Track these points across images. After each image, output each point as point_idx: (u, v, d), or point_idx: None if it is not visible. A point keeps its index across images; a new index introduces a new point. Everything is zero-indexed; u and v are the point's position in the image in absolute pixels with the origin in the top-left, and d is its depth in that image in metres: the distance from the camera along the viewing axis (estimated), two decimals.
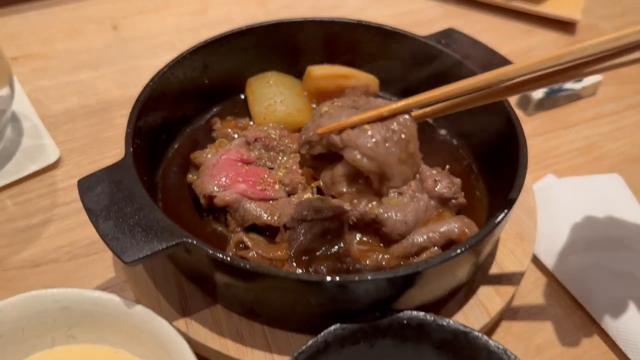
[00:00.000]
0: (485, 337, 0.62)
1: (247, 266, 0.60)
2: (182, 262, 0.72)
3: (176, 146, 0.90)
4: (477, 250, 0.67)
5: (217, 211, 0.79)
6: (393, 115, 0.59)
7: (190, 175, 0.84)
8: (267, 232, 0.77)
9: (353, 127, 0.58)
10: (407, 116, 0.60)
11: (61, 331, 0.66)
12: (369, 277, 0.60)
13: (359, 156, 0.57)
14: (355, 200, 0.75)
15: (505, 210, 0.67)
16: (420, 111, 0.63)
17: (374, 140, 0.57)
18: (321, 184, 0.63)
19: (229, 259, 0.61)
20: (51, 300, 0.65)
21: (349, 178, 0.60)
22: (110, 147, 1.01)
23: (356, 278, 0.60)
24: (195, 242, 0.62)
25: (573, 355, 0.78)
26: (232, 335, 0.69)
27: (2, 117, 0.93)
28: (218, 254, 0.61)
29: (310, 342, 0.62)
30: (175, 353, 0.61)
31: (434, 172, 0.82)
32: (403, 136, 0.58)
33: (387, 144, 0.57)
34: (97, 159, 0.99)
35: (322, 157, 0.63)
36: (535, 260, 0.88)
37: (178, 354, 0.61)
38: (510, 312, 0.81)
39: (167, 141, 0.88)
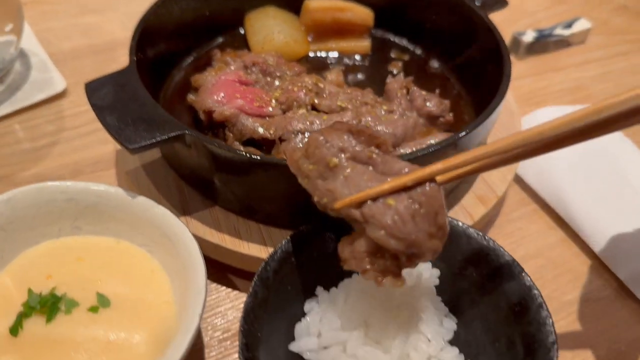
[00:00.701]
0: (465, 225, 0.66)
1: (244, 154, 0.64)
2: (182, 165, 0.76)
3: (177, 74, 0.94)
4: (462, 144, 0.70)
5: (216, 127, 0.82)
6: (418, 184, 0.52)
7: (191, 96, 0.87)
8: (264, 146, 0.81)
9: (374, 198, 0.52)
10: (433, 184, 0.53)
11: (67, 222, 0.70)
12: None
13: (385, 235, 0.51)
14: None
15: (491, 108, 0.71)
16: (446, 176, 0.55)
17: (400, 217, 0.51)
18: (340, 258, 0.57)
19: (227, 148, 0.65)
20: (58, 191, 0.69)
21: (373, 253, 0.54)
22: None
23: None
24: (194, 134, 0.66)
25: (554, 264, 0.82)
26: (229, 231, 0.73)
27: (9, 48, 0.97)
28: (215, 144, 0.65)
29: (303, 227, 0.66)
30: (176, 238, 0.65)
31: (424, 92, 0.85)
32: (431, 209, 0.52)
33: (414, 220, 0.51)
34: None
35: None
36: (520, 182, 0.92)
37: (179, 238, 0.65)
38: (495, 229, 0.85)
39: (168, 68, 0.92)
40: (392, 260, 0.53)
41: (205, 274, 0.61)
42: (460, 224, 0.66)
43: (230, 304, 0.74)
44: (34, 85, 1.02)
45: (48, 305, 0.61)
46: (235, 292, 0.75)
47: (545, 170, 0.89)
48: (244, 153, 0.65)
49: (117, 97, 0.70)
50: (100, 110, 0.68)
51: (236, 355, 0.69)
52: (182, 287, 0.63)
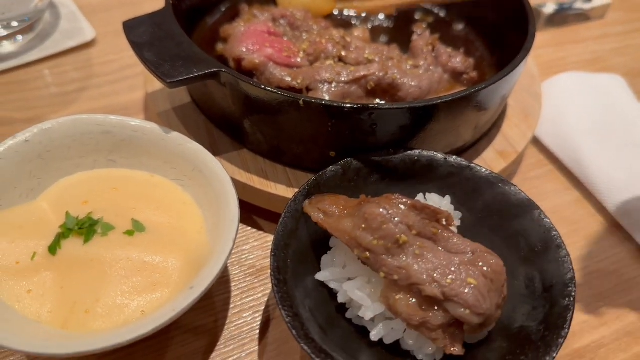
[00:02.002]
0: (488, 170, 0.68)
1: (280, 92, 0.66)
2: (213, 108, 0.78)
3: (206, 23, 0.95)
4: (484, 97, 0.72)
5: (245, 75, 0.84)
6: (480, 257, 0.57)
7: (220, 46, 0.89)
8: None
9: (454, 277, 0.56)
10: (498, 261, 0.58)
11: (102, 154, 0.72)
12: (386, 106, 0.66)
13: (469, 314, 0.55)
14: (374, 65, 0.81)
15: (515, 64, 0.73)
16: None
17: (481, 295, 0.55)
18: (405, 321, 0.57)
19: (261, 86, 0.67)
20: (95, 123, 0.71)
21: (445, 325, 0.56)
22: None
23: (372, 105, 0.66)
24: (230, 71, 0.68)
25: (569, 221, 0.84)
26: (257, 172, 0.75)
27: None
28: (251, 82, 0.67)
29: (331, 167, 0.68)
30: (209, 171, 0.67)
31: (449, 49, 0.87)
32: (499, 283, 0.57)
33: (489, 296, 0.56)
34: None
35: None
36: (538, 145, 0.94)
37: (212, 172, 0.67)
38: None
39: (198, 18, 0.94)
40: (460, 329, 0.57)
41: (238, 204, 0.63)
42: (483, 170, 0.69)
43: (256, 243, 0.77)
44: (63, 34, 1.04)
45: (85, 227, 0.64)
46: (260, 232, 0.78)
47: (563, 132, 0.91)
48: (279, 91, 0.67)
49: (154, 35, 0.72)
50: (138, 46, 0.70)
51: (260, 289, 0.72)
52: (214, 218, 0.66)
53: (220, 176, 0.66)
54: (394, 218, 0.57)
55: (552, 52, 1.13)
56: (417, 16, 1.03)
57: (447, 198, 0.68)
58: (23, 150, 0.68)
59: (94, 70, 0.99)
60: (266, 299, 0.71)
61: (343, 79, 0.80)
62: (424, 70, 0.84)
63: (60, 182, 0.70)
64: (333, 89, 0.80)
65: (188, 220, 0.68)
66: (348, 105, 0.65)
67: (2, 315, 0.56)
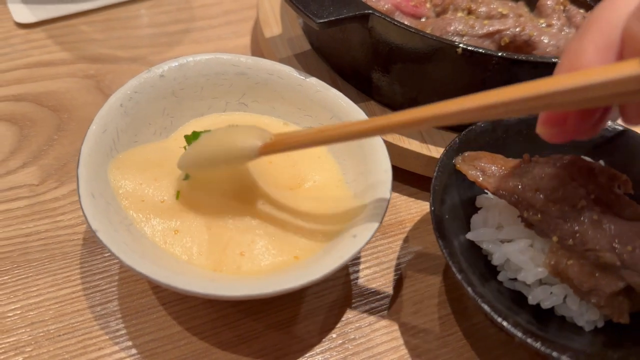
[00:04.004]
0: None
1: (436, 37, 0.63)
2: (341, 56, 0.74)
3: None
4: None
5: None
6: None
7: None
8: None
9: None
10: None
11: (234, 97, 0.69)
12: (540, 59, 0.62)
13: None
14: (509, 20, 0.77)
15: None
16: None
17: None
18: (574, 287, 0.55)
19: (419, 31, 0.63)
20: (229, 63, 0.68)
21: (615, 294, 0.54)
22: None
23: (525, 57, 0.62)
24: (381, 14, 0.64)
25: None
26: None
27: None
28: (405, 27, 0.64)
29: (479, 122, 0.65)
30: (349, 118, 0.64)
31: (582, 10, 0.83)
32: None
33: None
34: None
35: None
36: None
37: (353, 119, 0.64)
38: None
39: None
40: (627, 298, 0.54)
41: (389, 159, 0.60)
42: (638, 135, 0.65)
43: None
44: None
45: None
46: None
47: None
48: (437, 38, 0.63)
49: None
50: None
51: (389, 246, 0.69)
52: (357, 168, 0.63)
53: None
54: (572, 181, 0.54)
55: None
56: None
57: (600, 163, 0.65)
58: (158, 85, 0.65)
59: (195, 13, 0.95)
60: (396, 256, 0.69)
61: (477, 32, 0.76)
62: (557, 30, 0.80)
63: (192, 123, 0.67)
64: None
65: (325, 173, 0.65)
66: (511, 57, 0.62)
67: (156, 254, 0.54)
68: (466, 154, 0.62)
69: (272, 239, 0.57)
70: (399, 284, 0.66)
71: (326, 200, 0.62)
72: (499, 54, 0.62)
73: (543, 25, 0.80)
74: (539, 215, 0.55)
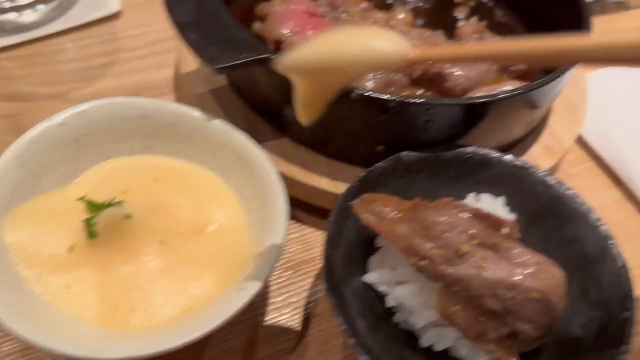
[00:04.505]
0: (544, 172, 0.66)
1: None
2: (253, 93, 0.75)
3: (240, 1, 0.91)
4: (534, 97, 0.69)
5: None
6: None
7: (257, 25, 0.85)
8: None
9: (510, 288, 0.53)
10: (561, 272, 0.57)
11: (139, 140, 0.68)
12: (445, 102, 0.63)
13: (531, 328, 0.53)
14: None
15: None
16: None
17: (541, 308, 0.53)
18: (461, 332, 0.56)
19: None
20: (133, 107, 0.67)
21: (503, 338, 0.55)
22: None
23: (419, 100, 0.63)
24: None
25: (609, 221, 0.82)
26: (298, 163, 0.72)
27: None
28: None
29: (380, 163, 0.65)
30: (254, 162, 0.64)
31: (497, 38, 0.84)
32: (558, 296, 0.55)
33: (550, 308, 0.54)
34: (158, 13, 1.00)
35: None
36: (581, 142, 0.91)
37: (257, 163, 0.64)
38: None
39: None
40: (515, 340, 0.55)
41: (287, 198, 0.61)
42: (538, 171, 0.66)
43: (294, 235, 0.74)
44: (86, 5, 0.99)
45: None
46: (298, 224, 0.75)
47: (606, 128, 0.89)
48: None
49: (199, 15, 0.68)
50: (183, 27, 0.66)
51: (300, 284, 0.70)
52: (258, 213, 0.63)
53: (266, 169, 0.63)
54: (456, 227, 0.55)
55: None
56: None
57: (502, 199, 0.66)
58: (58, 133, 0.64)
59: (120, 45, 0.95)
60: (306, 295, 0.69)
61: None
62: None
63: (96, 168, 0.67)
64: (377, 77, 0.76)
65: (230, 216, 0.65)
66: (404, 100, 0.62)
67: (42, 313, 0.54)
68: (365, 196, 0.62)
69: (166, 291, 0.57)
70: (306, 323, 0.67)
71: (227, 246, 0.62)
72: (392, 98, 0.62)
73: None
74: (425, 262, 0.55)
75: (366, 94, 0.62)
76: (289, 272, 0.71)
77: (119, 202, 0.60)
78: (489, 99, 0.64)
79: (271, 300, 0.68)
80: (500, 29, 0.92)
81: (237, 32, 0.67)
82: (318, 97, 0.47)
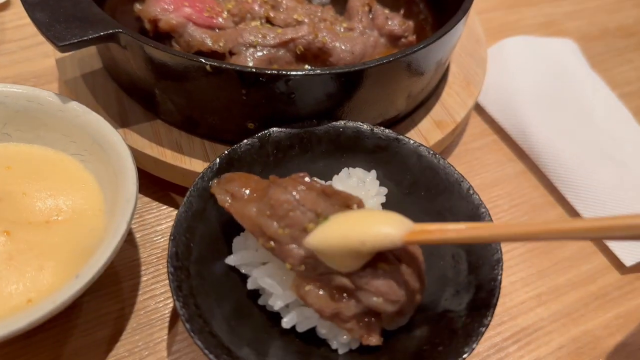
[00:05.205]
0: (417, 143, 0.63)
1: (181, 54, 0.60)
2: (121, 74, 0.71)
3: None
4: (417, 61, 0.66)
5: (163, 39, 0.77)
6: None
7: (138, 6, 0.82)
8: None
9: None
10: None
11: None
12: (301, 73, 0.60)
13: (382, 302, 0.50)
14: (303, 28, 0.74)
15: (452, 24, 0.67)
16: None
17: (394, 281, 0.51)
18: (317, 312, 0.53)
19: (163, 49, 0.60)
20: None
21: (360, 315, 0.52)
22: None
23: (283, 71, 0.59)
24: (130, 32, 0.61)
25: (511, 195, 0.80)
26: (171, 146, 0.69)
27: None
28: (151, 44, 0.60)
29: (246, 140, 0.62)
30: (108, 145, 0.61)
31: (387, 11, 0.81)
32: (415, 267, 0.53)
33: (405, 280, 0.52)
34: None
35: None
36: (483, 114, 0.89)
37: (111, 145, 0.61)
38: (452, 158, 0.83)
39: None
40: (377, 318, 0.53)
41: (137, 181, 0.58)
42: (411, 141, 0.63)
43: (171, 223, 0.71)
44: None
45: None
46: (177, 211, 0.72)
47: (508, 100, 0.86)
48: (183, 55, 0.60)
49: None
50: (30, 6, 0.62)
51: None
52: (113, 197, 0.60)
53: (119, 152, 0.60)
54: (302, 205, 0.52)
55: (503, 15, 1.08)
56: None
57: (373, 173, 0.63)
58: None
59: (6, 36, 0.91)
60: None
61: (269, 42, 0.74)
62: (359, 33, 0.78)
63: None
64: (258, 54, 0.73)
65: (85, 202, 0.61)
66: (257, 71, 0.59)
67: None
68: (224, 175, 0.59)
69: (5, 283, 0.54)
70: (176, 313, 0.63)
71: (78, 233, 0.58)
72: (245, 70, 0.59)
73: (343, 29, 0.78)
74: (272, 243, 0.52)
75: (221, 65, 0.59)
76: (163, 262, 0.67)
77: None
78: (348, 69, 0.61)
79: (142, 290, 0.65)
80: (397, 2, 0.90)
81: (88, 9, 0.63)
82: (346, 261, 0.50)
